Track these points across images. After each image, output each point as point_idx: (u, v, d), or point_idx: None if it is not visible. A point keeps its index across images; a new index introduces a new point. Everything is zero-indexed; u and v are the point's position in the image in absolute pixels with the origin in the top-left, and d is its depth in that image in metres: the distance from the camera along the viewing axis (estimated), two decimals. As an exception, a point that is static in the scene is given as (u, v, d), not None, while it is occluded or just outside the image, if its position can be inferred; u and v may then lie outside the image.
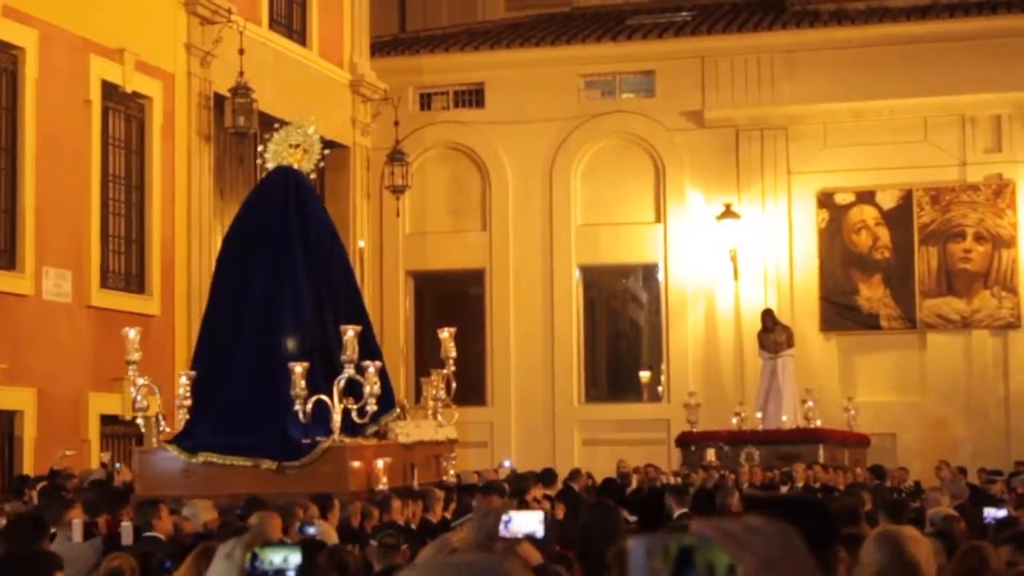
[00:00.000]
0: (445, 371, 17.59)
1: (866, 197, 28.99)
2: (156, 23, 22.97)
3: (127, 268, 22.60)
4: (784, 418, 25.57)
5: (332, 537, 11.27)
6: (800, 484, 20.54)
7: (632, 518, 14.76)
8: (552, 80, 30.23)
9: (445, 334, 17.48)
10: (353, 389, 14.80)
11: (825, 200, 29.13)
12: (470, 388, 27.77)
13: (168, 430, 15.33)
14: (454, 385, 17.75)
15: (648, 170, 29.97)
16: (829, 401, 26.83)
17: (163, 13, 23.18)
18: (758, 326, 27.30)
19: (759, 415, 25.84)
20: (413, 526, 13.28)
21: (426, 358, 29.03)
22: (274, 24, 26.53)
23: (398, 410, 16.48)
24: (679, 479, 21.80)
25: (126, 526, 10.90)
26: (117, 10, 22.06)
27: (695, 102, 29.69)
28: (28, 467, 19.47)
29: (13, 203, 20.26)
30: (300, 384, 14.35)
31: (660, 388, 29.92)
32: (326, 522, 11.97)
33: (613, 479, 22.08)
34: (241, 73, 23.64)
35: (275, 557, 3.75)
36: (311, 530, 10.13)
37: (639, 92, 30.58)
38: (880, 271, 28.92)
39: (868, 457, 25.99)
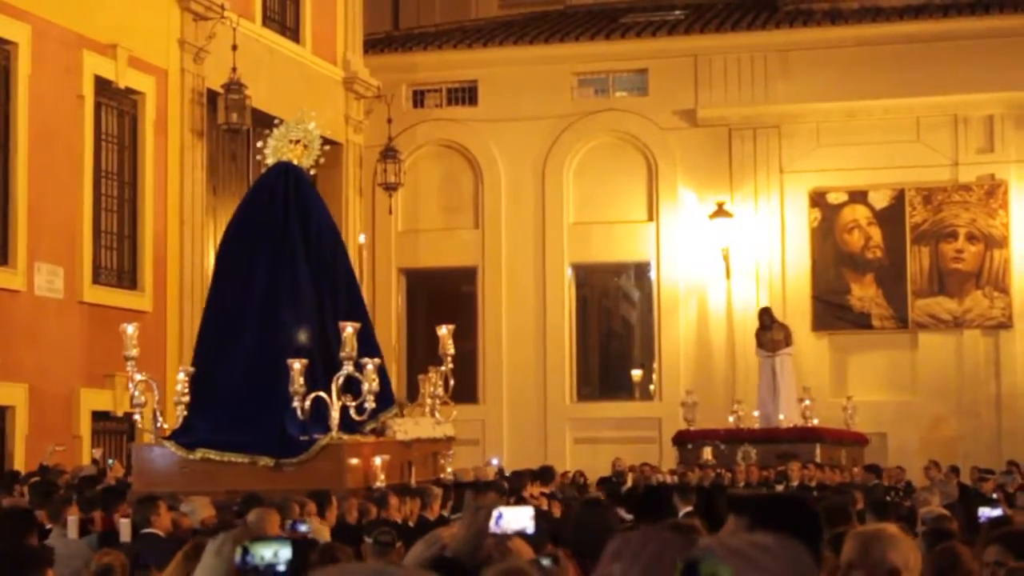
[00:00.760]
0: (443, 368, 17.58)
1: (858, 197, 29.01)
2: (149, 19, 22.95)
3: (119, 264, 22.58)
4: (781, 417, 25.55)
5: (324, 535, 11.26)
6: (796, 483, 20.55)
7: (628, 516, 14.76)
8: (545, 78, 30.22)
9: (443, 331, 17.47)
10: (352, 386, 14.76)
11: (817, 199, 29.15)
12: (462, 386, 27.58)
13: (165, 426, 15.28)
14: (452, 382, 17.74)
15: (641, 168, 29.98)
16: (821, 400, 26.83)
17: (156, 9, 23.16)
18: (750, 325, 27.32)
19: (757, 414, 25.83)
20: (411, 523, 13.25)
21: (418, 356, 29.04)
22: (267, 21, 26.51)
23: (397, 407, 16.46)
24: (675, 477, 21.80)
25: (124, 523, 10.88)
26: (110, 6, 22.03)
27: (688, 101, 29.70)
28: (19, 463, 19.43)
29: (5, 198, 20.24)
30: (299, 381, 14.33)
31: (652, 386, 29.93)
32: (323, 520, 11.96)
33: (609, 478, 22.11)
34: (234, 69, 23.62)
35: (265, 552, 3.74)
36: (303, 527, 10.11)
37: (632, 90, 30.58)
38: (872, 271, 28.94)
39: (865, 456, 26.00)
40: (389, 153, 28.77)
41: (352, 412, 14.77)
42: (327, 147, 17.92)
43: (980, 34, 28.58)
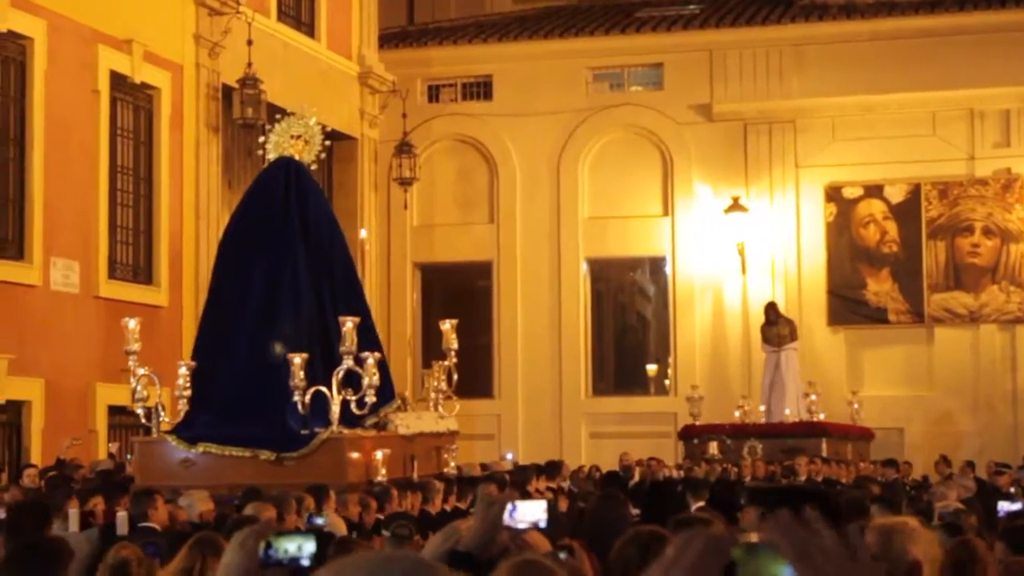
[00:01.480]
0: (446, 363, 17.58)
1: (874, 191, 28.96)
2: (165, 14, 22.97)
3: (135, 259, 22.62)
4: (787, 411, 25.54)
5: (341, 528, 11.27)
6: (803, 478, 20.52)
7: (635, 511, 14.75)
8: (560, 73, 30.21)
9: (446, 326, 17.47)
10: (352, 380, 14.77)
11: (833, 194, 29.10)
12: (477, 381, 27.81)
13: (168, 420, 15.29)
14: (455, 377, 17.72)
15: (656, 163, 29.95)
16: (837, 395, 26.82)
17: (172, 4, 23.18)
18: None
19: (762, 408, 25.82)
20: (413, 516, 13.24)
21: (433, 350, 29.05)
22: (282, 16, 26.53)
23: (398, 401, 16.44)
24: (681, 472, 21.79)
25: (121, 516, 10.89)
26: (126, 1, 22.06)
27: (703, 95, 29.66)
28: (36, 457, 19.47)
29: (21, 193, 20.27)
30: (299, 375, 14.33)
31: (667, 381, 29.91)
32: (319, 514, 11.93)
33: (616, 472, 22.09)
34: (249, 64, 23.63)
35: (290, 545, 3.75)
36: (319, 521, 10.12)
37: (647, 85, 30.56)
38: (888, 265, 28.88)
39: (873, 451, 25.96)
40: (404, 148, 28.77)
41: (353, 406, 14.77)
42: (333, 142, 17.91)
43: (996, 28, 28.49)
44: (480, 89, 31.13)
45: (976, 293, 28.43)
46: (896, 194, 28.87)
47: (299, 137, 16.40)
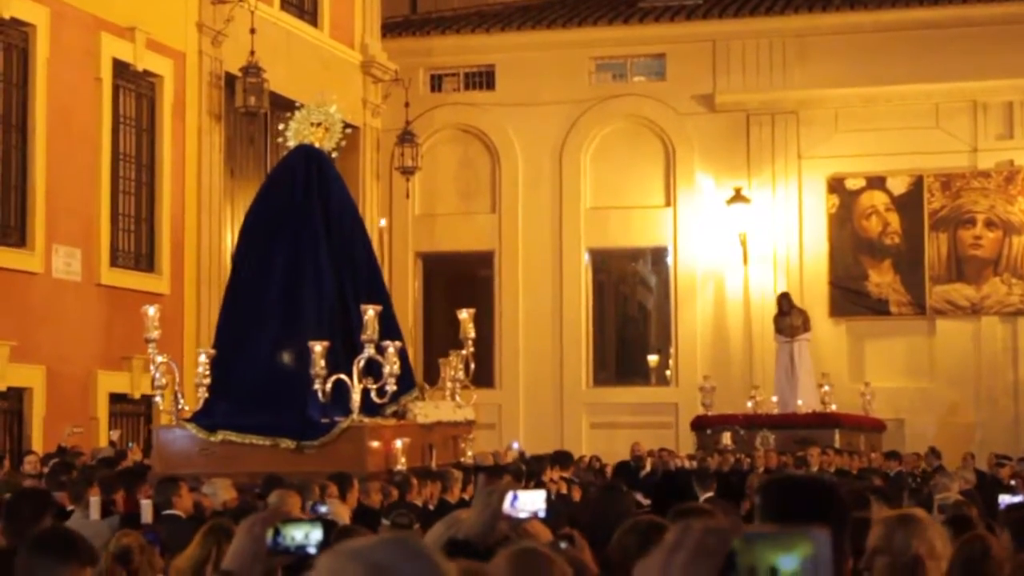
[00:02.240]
0: (464, 352, 17.59)
1: (876, 182, 28.94)
2: (167, 2, 22.96)
3: (137, 247, 22.63)
4: (800, 402, 25.51)
5: (344, 517, 11.29)
6: (815, 468, 20.50)
7: (646, 501, 14.77)
8: (563, 63, 30.19)
9: (464, 315, 17.46)
10: (373, 369, 14.76)
11: (835, 185, 29.09)
12: (478, 370, 27.58)
13: (186, 408, 15.27)
14: (472, 366, 17.76)
15: (658, 153, 29.94)
16: (839, 386, 26.81)
17: (174, -8, 23.18)
18: (767, 311, 27.31)
19: (775, 399, 25.78)
20: (431, 507, 13.25)
21: (435, 339, 29.08)
22: (285, 4, 26.51)
23: (417, 391, 16.45)
24: (694, 462, 21.78)
25: (146, 504, 10.88)
26: (129, -12, 22.06)
27: (706, 86, 29.65)
28: (37, 444, 19.49)
29: (24, 181, 20.28)
30: (320, 363, 14.34)
31: (668, 372, 29.91)
32: (343, 502, 11.98)
33: (627, 462, 22.10)
34: (252, 53, 23.62)
35: (297, 533, 3.77)
36: (323, 509, 10.14)
37: (650, 75, 30.54)
38: (890, 257, 28.88)
39: (883, 442, 25.96)
40: (406, 137, 28.76)
41: (373, 395, 14.77)
42: (348, 130, 17.94)
43: (1000, 20, 28.45)
44: (483, 79, 31.12)
45: (978, 285, 28.43)
46: (898, 186, 28.86)
47: (319, 125, 16.42)
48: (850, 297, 28.89)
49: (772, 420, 24.92)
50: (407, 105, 28.70)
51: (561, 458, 18.63)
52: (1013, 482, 18.27)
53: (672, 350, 29.75)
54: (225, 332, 16.03)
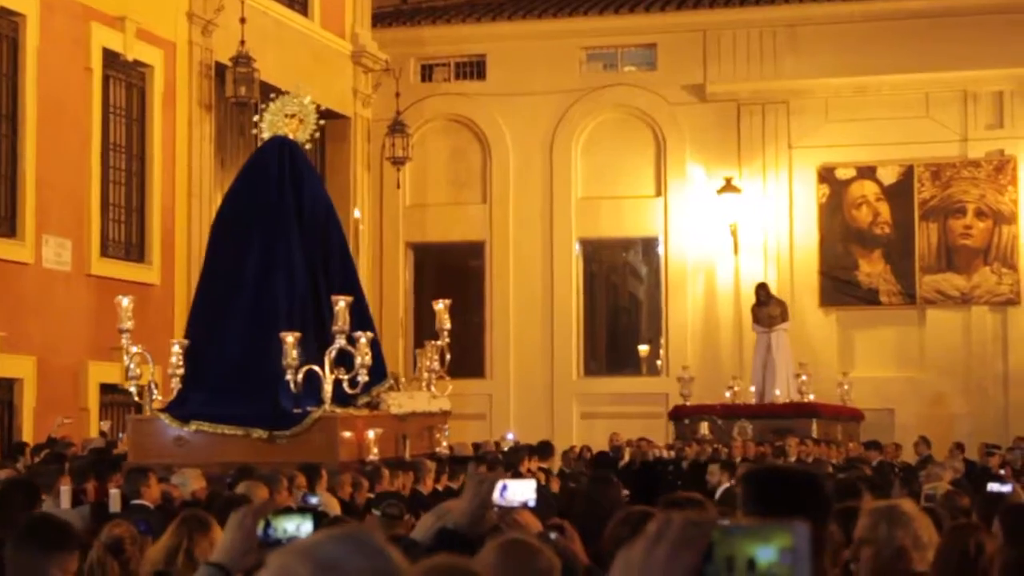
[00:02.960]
0: (439, 342, 17.62)
1: (867, 172, 28.97)
2: (157, -8, 22.92)
3: (127, 237, 22.60)
4: (777, 392, 25.59)
5: (334, 508, 11.30)
6: (793, 458, 20.53)
7: (625, 492, 14.77)
8: (554, 52, 30.17)
9: (440, 306, 17.51)
10: (345, 360, 14.79)
11: (826, 175, 29.11)
12: (469, 360, 27.78)
13: (159, 398, 15.29)
14: (448, 356, 17.77)
15: (649, 143, 29.94)
16: (828, 376, 26.87)
17: (164, -18, 23.13)
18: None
19: (752, 389, 25.86)
20: (404, 496, 13.27)
21: (425, 330, 29.04)
22: (276, -6, 26.46)
23: (390, 381, 16.47)
24: (672, 452, 21.83)
25: (114, 493, 10.89)
26: (118, -22, 22.01)
27: (697, 76, 29.64)
28: (28, 435, 19.49)
29: (13, 171, 20.25)
30: (292, 354, 14.36)
31: (659, 362, 29.94)
32: (311, 493, 11.96)
33: (606, 452, 22.13)
34: (242, 42, 23.58)
35: (288, 525, 3.77)
36: (313, 500, 10.15)
37: (641, 65, 30.53)
38: (880, 246, 28.91)
39: (863, 432, 25.99)
40: (397, 127, 28.72)
41: (345, 385, 14.80)
42: (327, 121, 17.91)
43: (990, 9, 28.46)
44: (473, 69, 31.09)
45: (968, 275, 28.46)
46: (889, 175, 28.89)
47: (294, 116, 16.42)
48: (840, 287, 28.92)
49: (750, 410, 25.00)
50: (398, 95, 28.67)
51: (540, 449, 18.62)
52: (1003, 471, 18.33)
53: (663, 340, 29.77)
54: (198, 322, 16.04)
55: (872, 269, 28.89)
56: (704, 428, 23.61)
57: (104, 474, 12.13)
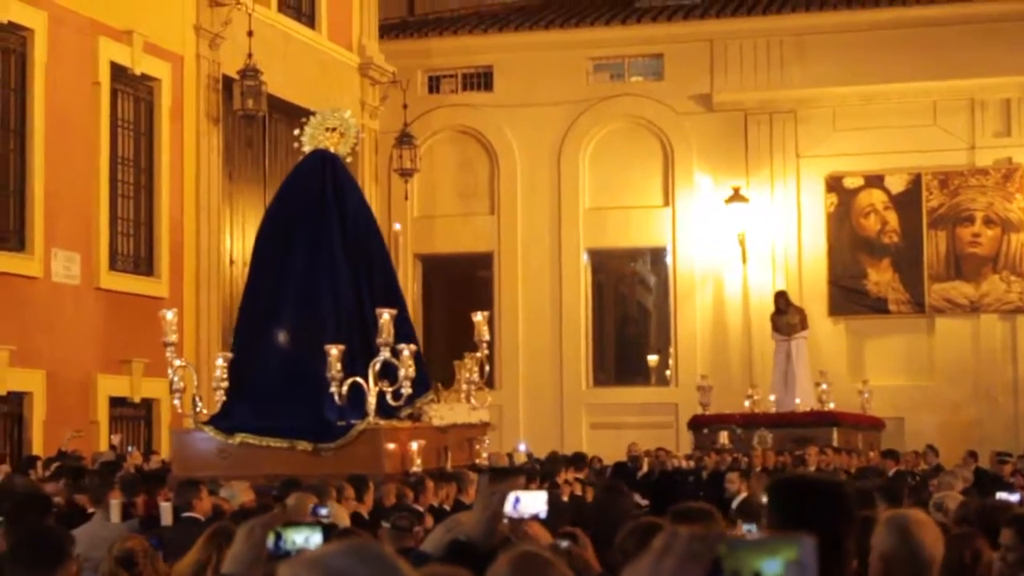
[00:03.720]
0: (479, 354, 17.73)
1: (875, 181, 28.96)
2: (165, 5, 22.96)
3: (136, 250, 22.63)
4: (797, 401, 25.45)
5: (344, 520, 11.30)
6: (812, 468, 20.42)
7: (644, 502, 14.78)
8: (561, 63, 30.20)
9: (479, 317, 17.57)
10: (389, 372, 14.88)
11: (834, 184, 29.10)
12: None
13: (204, 411, 15.37)
14: (488, 368, 17.93)
15: (656, 153, 29.95)
16: (837, 385, 26.83)
17: (172, -5, 23.18)
18: (766, 310, 27.29)
19: (772, 398, 25.76)
20: (447, 507, 13.30)
21: (434, 341, 29.09)
22: (283, 7, 26.51)
23: (433, 393, 16.61)
24: (691, 462, 21.76)
25: (165, 507, 10.99)
26: (126, -8, 22.06)
27: (704, 85, 29.66)
28: (37, 448, 19.49)
29: (22, 185, 20.28)
30: (336, 366, 14.45)
31: (668, 372, 29.92)
32: (360, 503, 12.08)
33: (625, 463, 22.09)
34: (250, 55, 23.62)
35: (297, 537, 3.78)
36: (323, 511, 10.17)
37: (648, 75, 30.55)
38: (889, 255, 28.89)
39: (883, 441, 25.93)
40: (405, 139, 28.76)
41: (388, 398, 14.90)
42: (363, 135, 18.04)
43: (997, 17, 28.46)
44: (481, 80, 31.13)
45: (977, 283, 28.44)
46: (897, 184, 28.87)
47: (334, 130, 16.57)
48: (849, 296, 28.90)
49: (769, 419, 24.86)
50: (405, 107, 28.71)
51: (576, 460, 18.75)
52: (1013, 479, 18.27)
53: (672, 350, 29.75)
54: (243, 335, 16.18)
55: (881, 278, 28.87)
56: (724, 437, 23.49)
57: (153, 488, 12.19)
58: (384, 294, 15.83)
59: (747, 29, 29.66)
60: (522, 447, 23.43)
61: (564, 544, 5.44)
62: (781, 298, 26.70)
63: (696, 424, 25.42)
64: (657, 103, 29.88)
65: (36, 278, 20.22)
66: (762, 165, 29.26)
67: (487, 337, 17.56)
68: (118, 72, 21.97)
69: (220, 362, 15.28)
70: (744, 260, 29.12)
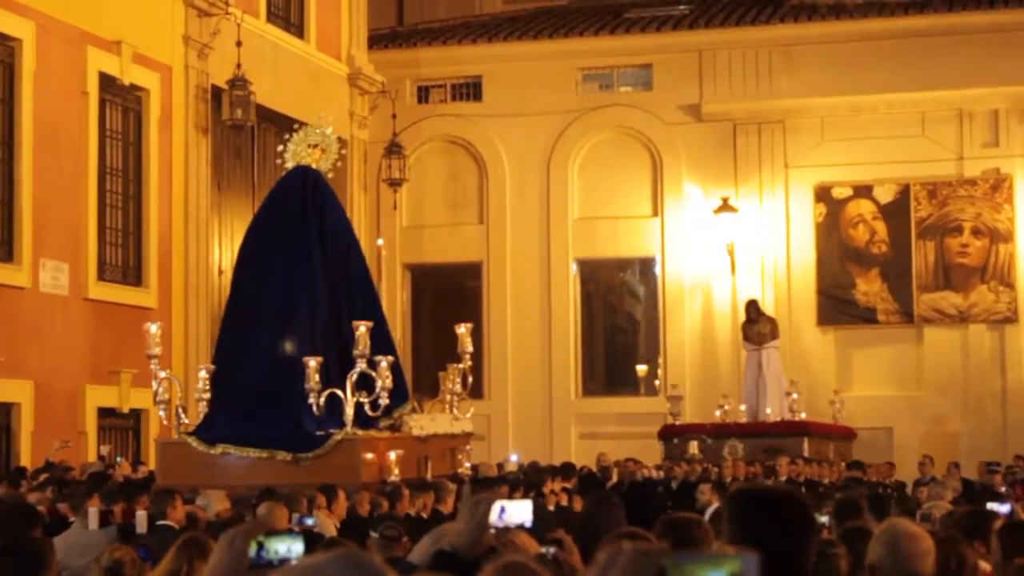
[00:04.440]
0: (461, 365, 17.90)
1: (863, 191, 28.99)
2: (153, 15, 22.96)
3: (124, 261, 22.61)
4: (768, 411, 25.42)
5: (330, 529, 11.33)
6: (783, 478, 20.38)
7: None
8: (550, 73, 30.22)
9: (462, 329, 17.82)
10: (366, 383, 15.20)
11: (822, 194, 29.13)
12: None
13: (187, 421, 15.58)
14: (470, 379, 18.17)
15: (645, 164, 29.97)
16: (825, 396, 26.87)
17: (160, 5, 23.17)
18: (755, 320, 27.28)
19: (744, 407, 25.74)
20: (424, 516, 13.41)
21: (423, 351, 29.10)
22: (272, 17, 26.52)
23: (412, 403, 16.81)
24: (662, 473, 21.70)
25: (140, 515, 11.12)
26: (114, 2, 22.05)
27: (693, 96, 29.68)
28: (26, 459, 19.46)
29: (10, 195, 20.26)
30: (314, 378, 14.81)
31: (657, 382, 29.91)
32: (331, 512, 12.17)
33: (594, 473, 22.05)
34: (239, 66, 23.63)
35: (279, 546, 3.78)
36: (309, 521, 10.20)
37: (637, 86, 30.57)
38: (877, 265, 28.92)
39: (861, 451, 25.92)
40: (394, 149, 28.76)
41: (367, 408, 15.18)
42: (344, 151, 18.20)
43: (985, 28, 28.54)
44: (470, 90, 31.14)
45: (965, 293, 28.46)
46: (885, 194, 28.91)
47: (316, 146, 16.93)
48: (838, 306, 28.92)
49: (740, 429, 24.83)
50: (394, 117, 28.72)
51: (563, 470, 18.77)
52: (1003, 488, 18.26)
53: (660, 360, 29.75)
54: (224, 347, 16.51)
55: (869, 288, 28.90)
56: (693, 448, 23.46)
57: (133, 496, 12.32)
58: (363, 308, 16.15)
59: (736, 39, 29.69)
60: (513, 457, 23.40)
61: (551, 550, 5.44)
62: (752, 307, 26.60)
63: (666, 434, 25.36)
64: (646, 113, 29.90)
65: (24, 288, 20.19)
66: (751, 175, 29.29)
67: (470, 348, 17.82)
68: (106, 82, 21.96)
69: (203, 374, 15.61)
70: (733, 270, 29.13)
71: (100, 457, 19.85)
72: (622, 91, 30.66)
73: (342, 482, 13.43)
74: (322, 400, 14.85)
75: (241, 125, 24.14)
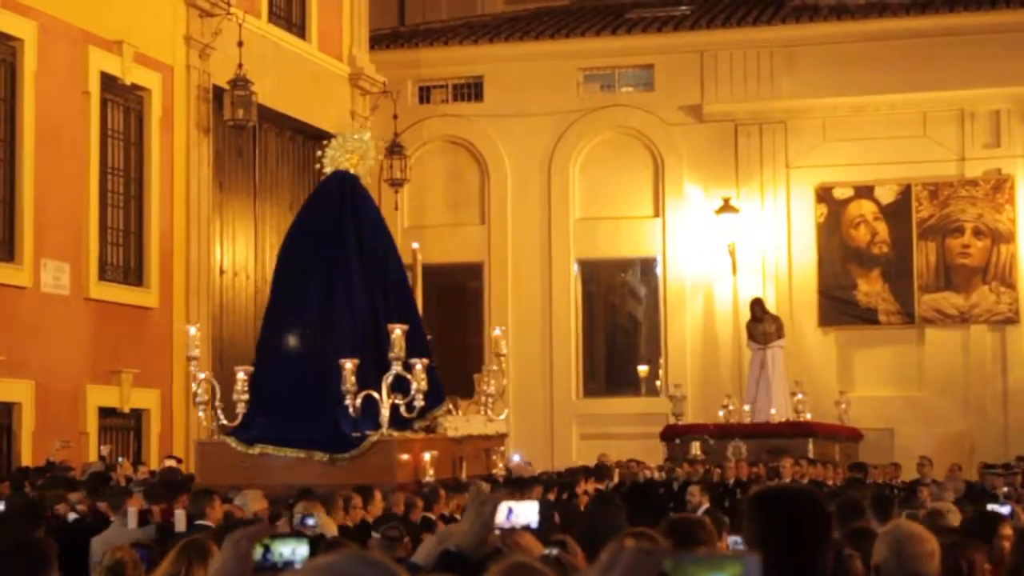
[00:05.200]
0: (496, 368, 18.18)
1: (864, 192, 28.99)
2: (155, 15, 22.96)
3: (125, 260, 22.60)
4: (773, 411, 25.31)
5: (332, 530, 11.32)
6: (788, 479, 20.23)
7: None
8: (551, 74, 30.22)
9: (497, 332, 18.31)
10: (401, 385, 15.47)
11: (824, 195, 29.12)
12: (468, 382, 27.71)
13: (224, 422, 15.82)
14: (505, 381, 18.30)
15: (647, 164, 29.96)
16: (827, 396, 26.83)
17: (162, 5, 23.17)
18: (755, 320, 27.26)
19: (747, 407, 25.66)
20: (459, 517, 13.52)
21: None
22: (273, 17, 26.51)
23: (448, 405, 17.08)
24: (663, 474, 21.62)
25: (179, 514, 11.34)
26: (116, 2, 22.04)
27: (694, 96, 29.68)
28: (27, 459, 19.46)
29: (12, 195, 20.25)
30: (350, 380, 15.03)
31: (658, 382, 29.89)
32: (367, 512, 12.40)
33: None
34: (240, 66, 23.62)
35: (284, 549, 3.77)
36: (310, 522, 10.19)
37: (638, 86, 30.58)
38: (878, 266, 28.91)
39: (863, 452, 25.89)
40: (395, 149, 28.76)
41: (402, 410, 15.46)
42: (380, 157, 18.51)
43: (986, 29, 28.54)
44: (471, 90, 31.13)
45: (966, 294, 28.46)
46: (886, 195, 28.90)
47: (354, 152, 17.11)
48: (839, 306, 28.91)
49: (744, 429, 24.69)
50: (395, 117, 28.72)
51: (597, 471, 18.90)
52: (1006, 489, 18.25)
53: (662, 360, 29.74)
54: (264, 350, 16.81)
55: (870, 288, 28.89)
56: (696, 448, 23.33)
57: (173, 496, 12.46)
58: (400, 310, 16.40)
59: (737, 40, 29.69)
60: (515, 458, 23.38)
61: (554, 551, 5.43)
62: (757, 306, 26.55)
63: (669, 434, 25.29)
64: (647, 114, 29.90)
65: (25, 288, 20.19)
66: (752, 176, 29.29)
67: (504, 351, 18.32)
68: (108, 82, 21.96)
69: (241, 375, 15.86)
70: (734, 271, 29.13)
71: (101, 457, 19.85)
72: (623, 91, 30.66)
73: (378, 483, 13.69)
74: (358, 402, 15.12)
75: (242, 125, 24.13)
